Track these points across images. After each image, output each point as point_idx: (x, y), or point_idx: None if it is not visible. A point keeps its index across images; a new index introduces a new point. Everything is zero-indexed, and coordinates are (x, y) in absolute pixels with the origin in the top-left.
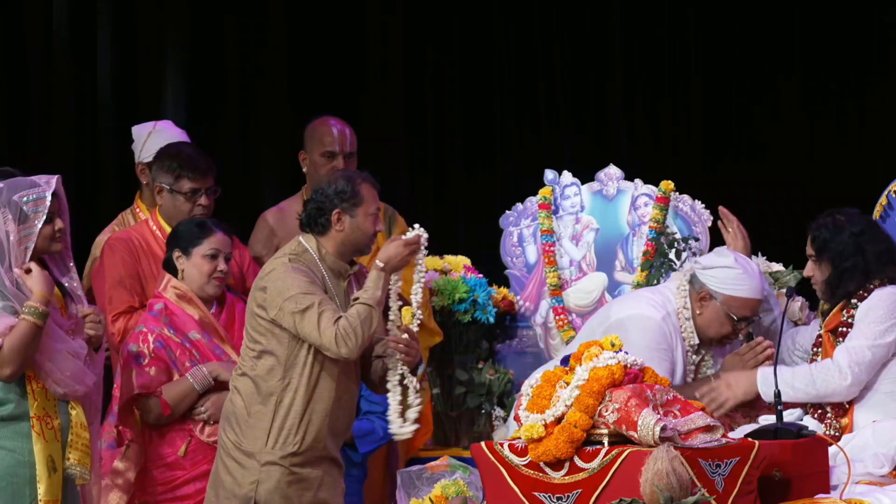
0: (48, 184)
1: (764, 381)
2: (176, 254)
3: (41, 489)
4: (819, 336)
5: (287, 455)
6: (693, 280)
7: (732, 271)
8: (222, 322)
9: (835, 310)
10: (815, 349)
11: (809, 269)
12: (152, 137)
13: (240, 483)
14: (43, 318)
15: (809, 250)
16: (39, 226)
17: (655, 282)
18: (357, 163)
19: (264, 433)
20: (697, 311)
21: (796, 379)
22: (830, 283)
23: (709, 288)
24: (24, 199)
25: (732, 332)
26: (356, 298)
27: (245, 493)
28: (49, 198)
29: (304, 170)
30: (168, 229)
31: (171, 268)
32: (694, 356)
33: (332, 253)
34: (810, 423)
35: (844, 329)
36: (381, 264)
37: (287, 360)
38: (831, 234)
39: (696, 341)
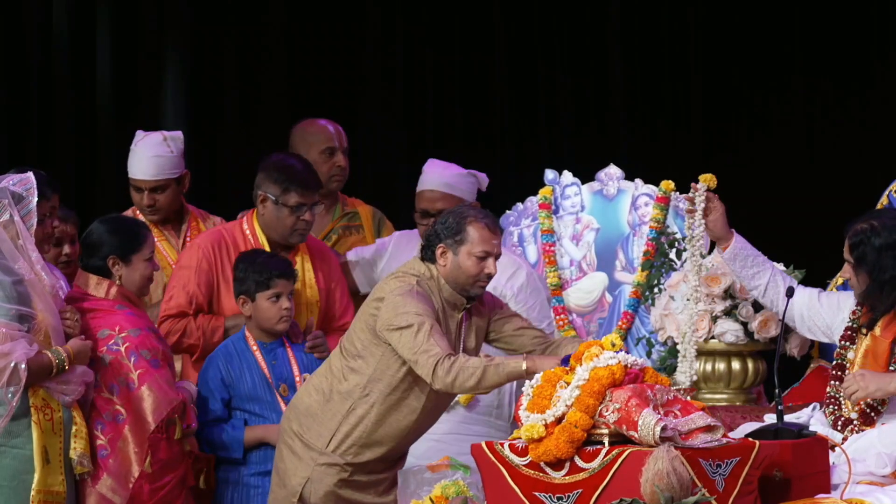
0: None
1: None
2: (111, 261)
3: (35, 479)
4: (848, 330)
5: (344, 463)
6: None
7: None
8: None
9: (888, 316)
10: (843, 342)
11: (847, 272)
12: (134, 153)
13: (291, 473)
14: (61, 370)
15: (847, 255)
16: (35, 200)
17: (656, 282)
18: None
19: (329, 433)
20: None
21: None
22: (870, 293)
23: None
24: (10, 182)
25: None
26: (490, 357)
27: (293, 485)
28: (32, 177)
29: None
30: (263, 238)
31: (99, 272)
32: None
33: (447, 284)
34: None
35: None
36: (525, 368)
37: (374, 372)
38: (869, 243)
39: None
